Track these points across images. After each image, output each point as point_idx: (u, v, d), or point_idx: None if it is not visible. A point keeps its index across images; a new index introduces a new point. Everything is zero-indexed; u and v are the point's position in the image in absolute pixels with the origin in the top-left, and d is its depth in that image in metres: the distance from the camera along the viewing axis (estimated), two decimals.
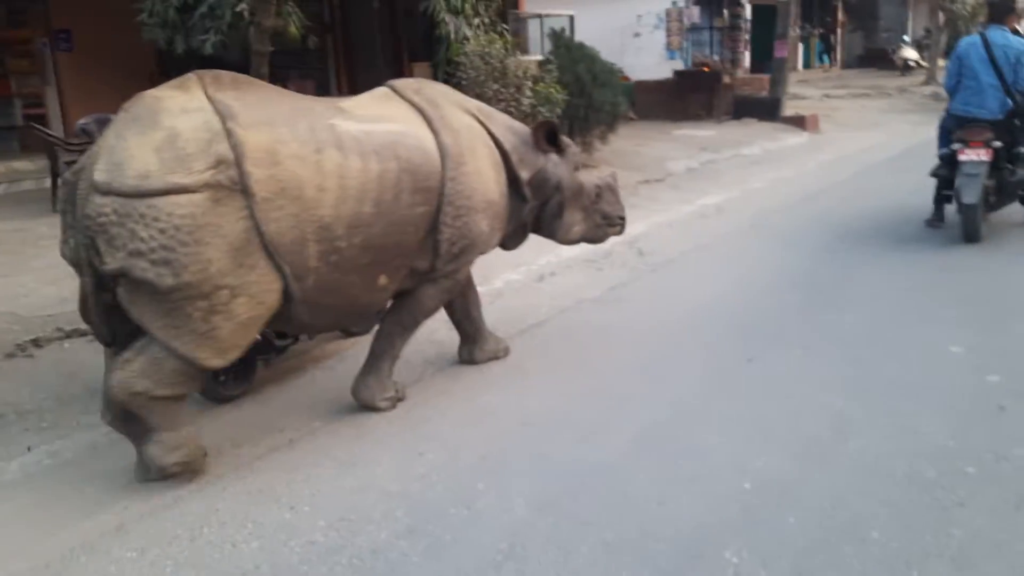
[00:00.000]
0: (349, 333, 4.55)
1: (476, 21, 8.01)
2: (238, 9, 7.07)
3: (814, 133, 13.28)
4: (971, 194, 5.65)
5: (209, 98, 2.99)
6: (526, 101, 7.36)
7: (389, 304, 3.79)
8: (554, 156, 4.09)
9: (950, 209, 6.14)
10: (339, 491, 3.04)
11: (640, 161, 10.44)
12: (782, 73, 13.60)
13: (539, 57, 10.40)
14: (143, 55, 10.03)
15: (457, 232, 3.62)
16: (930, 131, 13.63)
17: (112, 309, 3.00)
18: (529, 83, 7.49)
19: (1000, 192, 5.92)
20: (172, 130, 2.88)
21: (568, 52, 9.54)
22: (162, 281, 2.82)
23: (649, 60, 19.95)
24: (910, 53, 22.30)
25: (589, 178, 4.30)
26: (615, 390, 3.76)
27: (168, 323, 2.91)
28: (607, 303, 5.19)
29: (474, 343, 4.24)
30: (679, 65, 18.42)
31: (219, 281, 2.90)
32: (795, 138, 12.85)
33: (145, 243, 2.79)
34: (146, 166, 2.80)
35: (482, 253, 3.92)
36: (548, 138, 4.05)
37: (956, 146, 5.88)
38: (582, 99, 8.94)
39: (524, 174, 3.95)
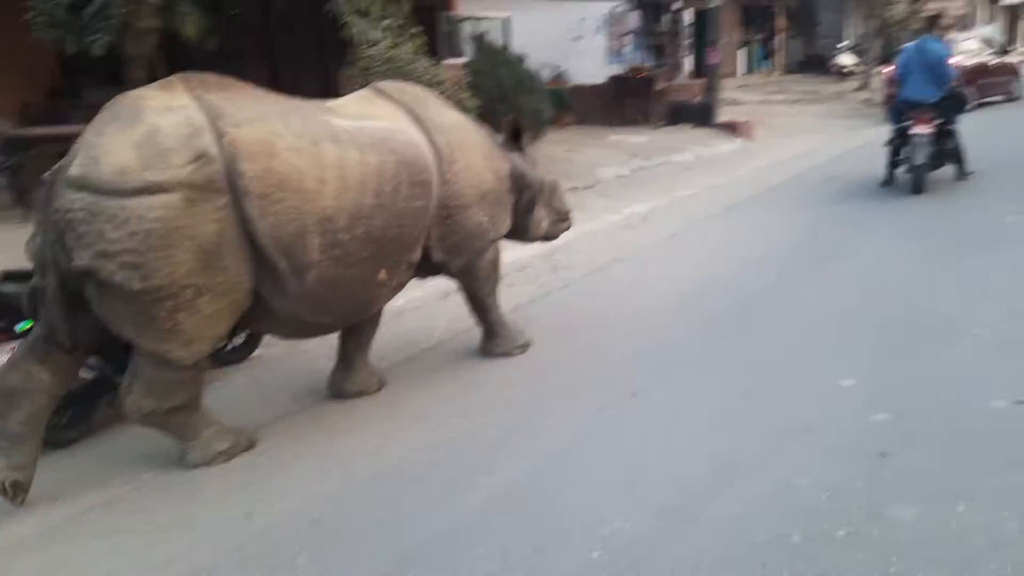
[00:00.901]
0: (223, 361, 4.28)
1: (385, 23, 7.61)
2: (128, 9, 6.57)
3: (748, 139, 13.20)
4: (920, 157, 7.60)
5: (194, 97, 2.96)
6: None
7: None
8: (518, 154, 4.20)
9: (898, 173, 7.95)
10: (142, 566, 2.64)
11: (570, 168, 10.17)
12: (715, 79, 13.52)
13: (462, 60, 10.05)
14: (42, 59, 9.38)
15: (450, 228, 3.72)
16: (862, 136, 13.95)
17: (74, 309, 2.94)
18: (437, 89, 7.10)
19: (938, 157, 7.79)
20: (153, 126, 2.85)
21: (491, 57, 9.21)
22: (130, 284, 2.79)
23: (591, 64, 19.76)
24: (846, 59, 22.58)
25: (543, 176, 4.43)
26: (488, 434, 3.42)
27: (133, 322, 2.91)
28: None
29: (346, 373, 3.93)
30: (621, 70, 18.31)
31: (185, 281, 2.87)
32: (728, 144, 12.74)
33: (113, 244, 2.74)
34: (124, 161, 2.76)
35: (493, 240, 4.03)
36: (513, 135, 4.18)
37: (908, 122, 7.65)
38: (503, 105, 8.63)
39: (505, 168, 4.06)
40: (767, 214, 7.73)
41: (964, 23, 26.20)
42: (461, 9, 15.69)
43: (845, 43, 25.06)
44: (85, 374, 3.52)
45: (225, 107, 2.98)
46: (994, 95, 16.29)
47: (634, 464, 3.05)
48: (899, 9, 20.72)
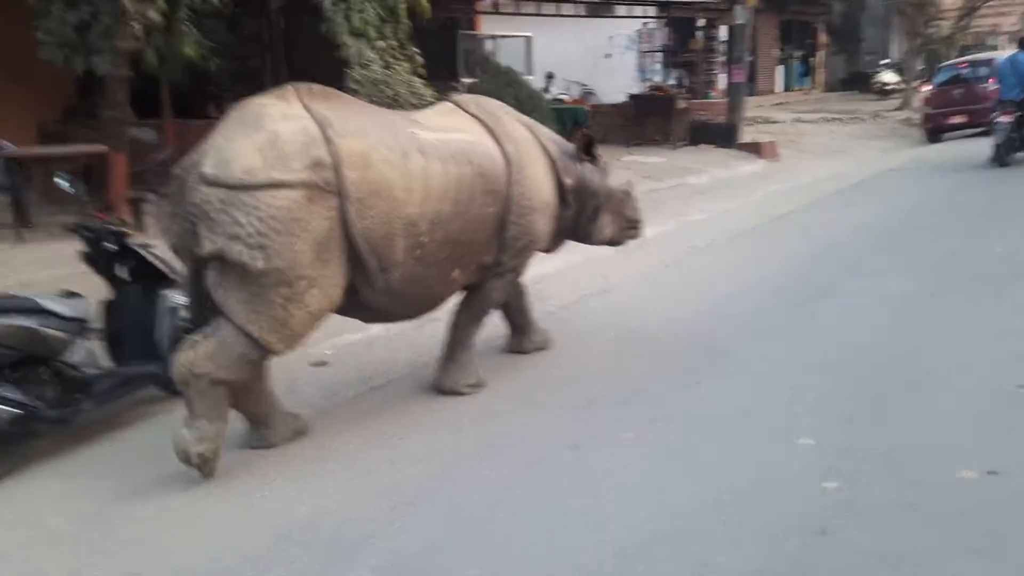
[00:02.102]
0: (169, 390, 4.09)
1: (382, 44, 7.51)
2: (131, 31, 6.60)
3: (771, 160, 12.76)
4: (1000, 137, 10.51)
5: (306, 107, 3.30)
6: None
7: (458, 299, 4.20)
8: (589, 164, 4.46)
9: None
10: None
11: None
12: (738, 98, 13.11)
13: (469, 81, 9.92)
14: (59, 80, 9.58)
15: (521, 229, 4.00)
16: (895, 159, 13.38)
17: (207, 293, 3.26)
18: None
19: (1020, 140, 10.54)
20: (274, 133, 3.18)
21: (496, 77, 9.06)
22: (255, 264, 3.10)
23: (621, 82, 19.51)
24: (889, 77, 21.85)
25: (615, 185, 4.71)
26: (409, 488, 3.18)
27: (250, 307, 3.18)
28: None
29: (523, 334, 4.66)
30: (671, 83, 17.94)
31: (301, 271, 3.18)
32: (749, 166, 12.33)
33: (243, 228, 3.07)
34: (250, 163, 3.09)
35: (539, 250, 4.33)
36: (586, 148, 4.43)
37: (995, 114, 10.68)
38: None
39: (568, 181, 4.30)
40: (771, 244, 7.35)
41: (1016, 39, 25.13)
42: (483, 28, 15.65)
43: (887, 60, 24.26)
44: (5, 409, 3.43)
45: (332, 118, 3.33)
46: None
47: (541, 537, 2.75)
48: (944, 26, 19.97)
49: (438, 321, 5.66)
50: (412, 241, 3.49)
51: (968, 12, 20.59)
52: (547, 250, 4.53)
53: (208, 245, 3.12)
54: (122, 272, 4.16)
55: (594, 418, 3.71)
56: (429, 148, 3.59)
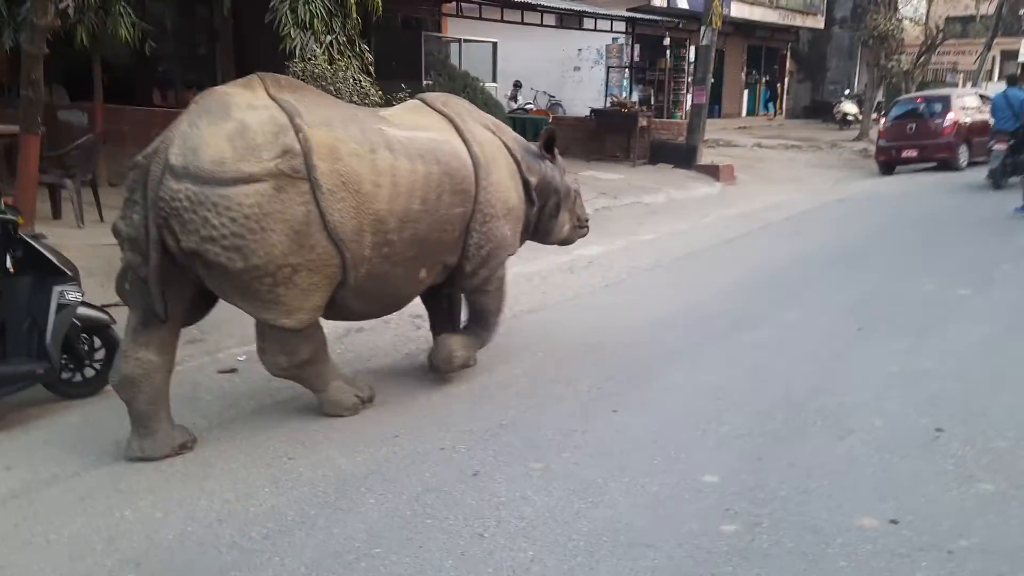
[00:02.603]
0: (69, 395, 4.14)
1: (329, 39, 7.29)
2: (61, 6, 6.26)
3: (728, 184, 12.80)
4: (995, 163, 11.55)
5: (272, 97, 3.29)
6: None
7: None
8: (550, 162, 4.48)
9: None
10: None
11: None
12: (699, 119, 13.13)
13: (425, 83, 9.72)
14: None
15: (484, 236, 3.96)
16: (847, 189, 13.52)
17: (168, 283, 3.24)
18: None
19: (1013, 166, 11.38)
20: (242, 122, 3.15)
21: (450, 80, 8.89)
22: (233, 265, 3.12)
23: (588, 95, 19.52)
24: (849, 107, 22.23)
25: (568, 182, 4.68)
26: (285, 514, 2.95)
27: (240, 295, 3.28)
28: (376, 377, 4.40)
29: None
30: (635, 101, 17.92)
31: (282, 261, 3.18)
32: (706, 188, 12.34)
33: (217, 230, 3.05)
34: (220, 153, 3.04)
35: (508, 255, 4.28)
36: (547, 145, 4.45)
37: (991, 143, 11.72)
38: None
39: (532, 179, 4.32)
40: (712, 269, 7.28)
41: (974, 79, 25.83)
42: (450, 32, 15.46)
43: (848, 91, 24.73)
44: None
45: (299, 108, 3.30)
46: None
47: None
48: (905, 60, 20.39)
49: (362, 331, 5.49)
50: (380, 238, 3.47)
51: (928, 48, 21.07)
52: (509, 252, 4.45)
53: (185, 243, 3.12)
54: (8, 262, 3.88)
55: (502, 445, 3.54)
56: (396, 145, 3.56)
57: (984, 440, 3.45)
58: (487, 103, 9.02)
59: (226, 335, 5.24)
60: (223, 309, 5.92)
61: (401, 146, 3.57)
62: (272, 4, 7.28)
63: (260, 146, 3.13)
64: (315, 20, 7.17)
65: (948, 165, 14.52)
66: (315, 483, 3.19)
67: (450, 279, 4.13)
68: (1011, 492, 3.01)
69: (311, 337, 3.54)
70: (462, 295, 4.37)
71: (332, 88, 6.54)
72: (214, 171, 3.03)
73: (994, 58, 32.95)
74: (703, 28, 12.84)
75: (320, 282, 3.36)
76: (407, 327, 5.45)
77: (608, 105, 15.49)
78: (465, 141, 3.91)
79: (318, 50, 7.10)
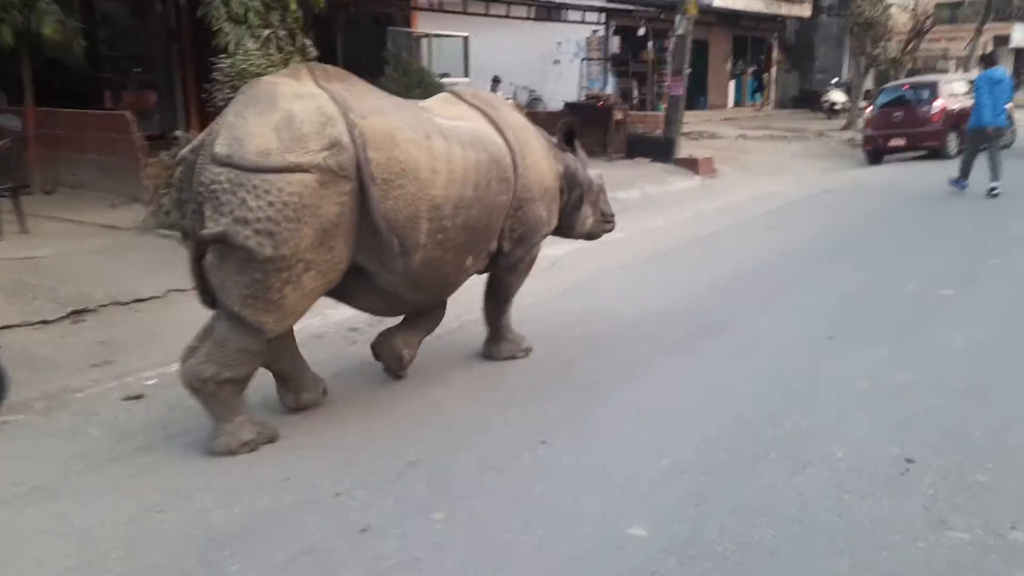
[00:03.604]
0: None
1: (266, 33, 6.80)
2: None
3: (707, 177, 12.33)
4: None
5: (319, 86, 3.22)
6: None
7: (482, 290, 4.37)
8: (571, 154, 4.43)
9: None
10: None
11: None
12: (677, 112, 12.64)
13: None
14: None
15: (519, 220, 3.97)
16: (834, 179, 13.06)
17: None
18: None
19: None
20: (289, 112, 3.08)
21: (406, 76, 8.41)
22: (262, 251, 3.01)
23: (568, 89, 19.02)
24: (837, 96, 21.74)
25: (591, 176, 4.64)
26: (228, 525, 2.51)
27: (247, 292, 3.09)
28: (282, 411, 3.93)
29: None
30: (610, 93, 17.43)
31: (302, 255, 3.10)
32: (684, 182, 11.86)
33: (253, 212, 2.97)
34: (266, 143, 2.99)
35: (544, 236, 4.29)
36: (567, 138, 4.40)
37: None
38: None
39: (559, 168, 4.29)
40: (681, 269, 6.82)
41: (965, 65, 25.37)
42: (422, 27, 14.98)
43: (835, 79, 24.24)
44: None
45: (349, 99, 3.23)
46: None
47: None
48: (892, 48, 19.91)
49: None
50: (436, 224, 3.45)
51: (917, 35, 20.59)
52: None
53: (211, 226, 3.01)
54: None
55: (405, 489, 3.07)
56: (448, 132, 3.56)
57: (960, 473, 2.99)
58: None
59: (139, 356, 4.81)
60: (140, 324, 5.60)
61: (452, 133, 3.58)
62: None
63: (307, 136, 3.07)
64: (250, 13, 6.70)
65: (937, 153, 14.07)
66: (176, 545, 2.72)
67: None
68: (989, 542, 2.55)
69: (259, 355, 3.33)
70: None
71: None
72: (259, 161, 2.98)
73: (985, 44, 32.48)
74: (678, 17, 12.35)
75: (319, 288, 3.30)
76: (341, 342, 5.00)
77: (583, 99, 14.99)
78: (499, 129, 3.90)
79: (253, 45, 6.61)
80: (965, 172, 10.19)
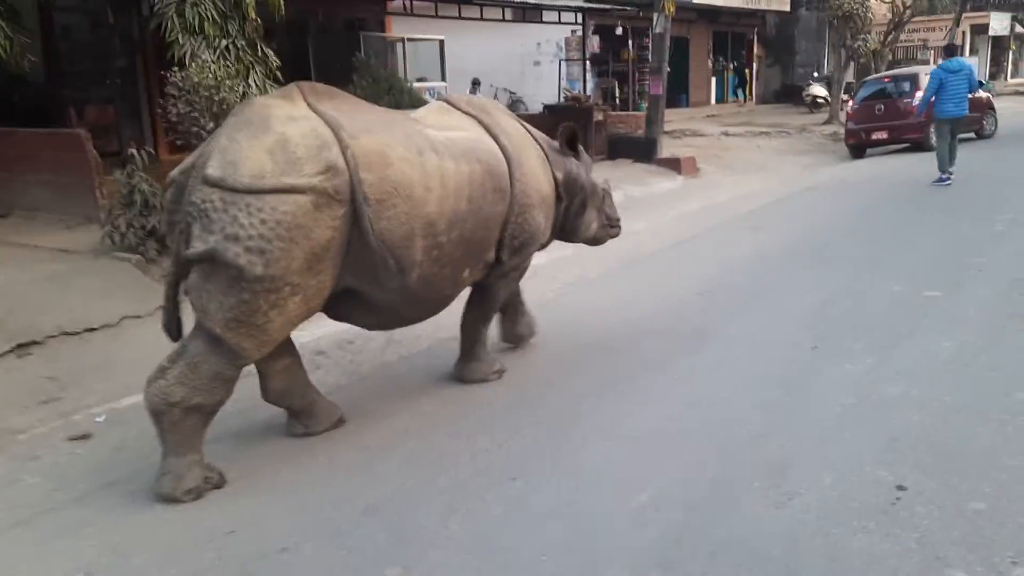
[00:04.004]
0: None
1: (223, 43, 6.55)
2: None
3: (690, 177, 12.13)
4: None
5: (311, 107, 3.19)
6: None
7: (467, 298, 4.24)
8: (574, 159, 4.37)
9: None
10: None
11: None
12: (657, 111, 12.43)
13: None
14: None
15: (519, 227, 3.89)
16: (817, 176, 12.90)
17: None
18: None
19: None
20: (282, 135, 3.05)
21: (375, 84, 8.18)
22: (252, 269, 2.93)
23: (549, 90, 18.80)
24: (819, 90, 21.61)
25: (595, 180, 4.60)
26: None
27: (231, 315, 3.00)
28: (236, 445, 3.69)
29: (514, 322, 4.64)
30: (590, 95, 17.24)
31: (290, 278, 3.03)
32: (666, 183, 11.66)
33: (244, 229, 2.89)
34: (261, 167, 2.95)
35: (540, 246, 4.25)
36: (569, 142, 4.34)
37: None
38: None
39: (559, 175, 4.23)
40: (662, 275, 6.61)
41: (940, 54, 25.36)
42: (397, 31, 14.73)
43: (816, 73, 24.17)
44: None
45: (341, 119, 3.20)
46: (964, 131, 15.29)
47: None
48: (871, 39, 19.83)
49: (246, 376, 4.73)
50: (431, 241, 3.41)
51: (896, 26, 20.50)
52: (541, 246, 4.35)
53: (199, 244, 2.93)
54: None
55: (359, 539, 2.84)
56: (440, 146, 3.51)
57: (955, 500, 2.79)
58: (416, 105, 8.32)
59: (88, 391, 4.55)
60: (90, 355, 5.31)
61: (444, 147, 3.53)
62: (156, 7, 6.53)
63: (302, 159, 3.03)
64: (206, 23, 6.44)
65: (920, 146, 13.94)
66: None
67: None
68: None
69: (231, 382, 3.19)
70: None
71: (217, 97, 5.80)
72: (252, 184, 2.93)
73: (964, 33, 32.57)
74: (656, 15, 12.14)
75: (302, 315, 3.21)
76: (307, 367, 4.75)
77: (562, 100, 14.78)
78: (494, 136, 3.87)
79: (209, 56, 6.35)
80: (943, 166, 10.25)
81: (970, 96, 10.43)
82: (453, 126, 3.78)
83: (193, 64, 6.02)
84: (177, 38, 6.42)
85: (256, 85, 6.72)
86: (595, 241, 4.78)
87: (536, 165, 4.03)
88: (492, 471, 3.27)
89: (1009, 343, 4.33)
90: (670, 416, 3.67)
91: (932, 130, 10.67)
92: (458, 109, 3.99)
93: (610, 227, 4.77)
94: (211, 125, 5.75)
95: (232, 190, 2.91)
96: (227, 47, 6.59)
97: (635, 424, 3.61)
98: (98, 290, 5.88)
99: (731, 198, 10.61)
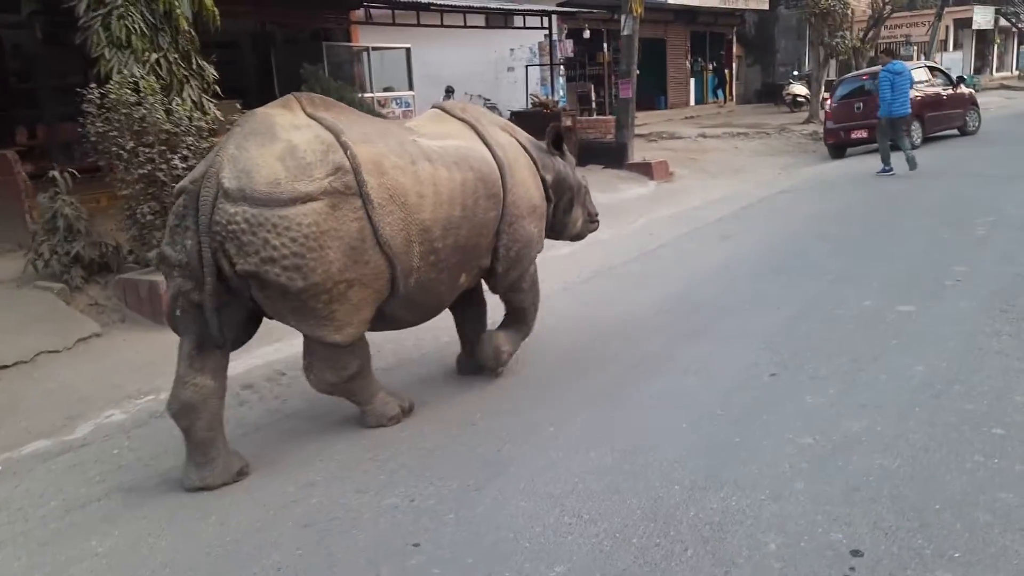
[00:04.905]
0: None
1: (154, 57, 6.14)
2: None
3: (663, 182, 11.78)
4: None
5: (310, 116, 3.37)
6: (181, 165, 5.43)
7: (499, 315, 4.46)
8: (560, 158, 4.43)
9: None
10: None
11: None
12: (627, 115, 12.08)
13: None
14: None
15: (512, 237, 3.95)
16: (794, 177, 12.55)
17: (225, 307, 3.25)
18: (191, 139, 5.59)
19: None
20: (289, 142, 3.21)
21: (324, 95, 7.75)
22: (293, 285, 3.16)
23: (523, 95, 18.48)
24: (799, 89, 21.34)
25: (579, 177, 4.68)
26: None
27: (297, 316, 3.31)
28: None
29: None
30: (558, 100, 16.91)
31: (339, 277, 3.23)
32: (638, 188, 11.30)
33: (278, 251, 3.08)
34: (274, 174, 3.10)
35: (537, 252, 4.27)
36: (556, 142, 4.40)
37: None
38: None
39: (548, 177, 4.30)
40: (621, 291, 6.21)
41: (926, 51, 25.18)
42: (363, 39, 14.34)
43: (796, 72, 23.90)
44: None
45: (339, 126, 3.33)
46: (946, 129, 15.03)
47: None
48: (851, 36, 19.55)
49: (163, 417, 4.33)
50: (427, 247, 3.50)
51: (876, 22, 20.26)
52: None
53: (241, 263, 3.09)
54: None
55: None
56: (433, 155, 3.60)
57: (918, 569, 2.40)
58: (368, 110, 7.92)
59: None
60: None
61: (437, 155, 3.61)
62: (81, 21, 6.12)
63: (311, 165, 3.15)
64: (133, 37, 6.03)
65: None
66: None
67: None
68: None
69: (358, 351, 3.53)
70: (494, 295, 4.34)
71: (136, 115, 5.38)
72: (271, 192, 3.04)
73: (947, 27, 32.42)
74: (623, 17, 11.80)
75: (370, 297, 3.38)
76: (231, 401, 4.35)
77: (529, 106, 14.43)
78: (488, 146, 3.92)
79: (138, 71, 5.94)
80: (885, 158, 11.18)
81: (943, 93, 12.04)
82: (446, 134, 3.85)
83: (111, 80, 5.60)
84: (103, 53, 6.01)
85: (192, 100, 6.33)
86: (579, 237, 4.87)
87: (527, 176, 4.09)
88: (394, 535, 2.86)
89: (987, 368, 3.95)
90: (599, 467, 3.24)
91: (880, 129, 11.46)
92: (452, 116, 4.06)
93: (590, 222, 4.85)
94: (130, 144, 5.35)
95: (252, 202, 3.02)
96: (158, 61, 6.19)
97: (559, 477, 3.19)
98: (15, 324, 5.46)
99: (703, 203, 10.25)
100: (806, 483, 2.97)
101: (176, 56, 6.38)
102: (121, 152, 5.36)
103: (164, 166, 5.38)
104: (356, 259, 3.24)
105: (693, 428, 3.51)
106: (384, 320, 3.68)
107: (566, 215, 4.57)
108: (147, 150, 5.37)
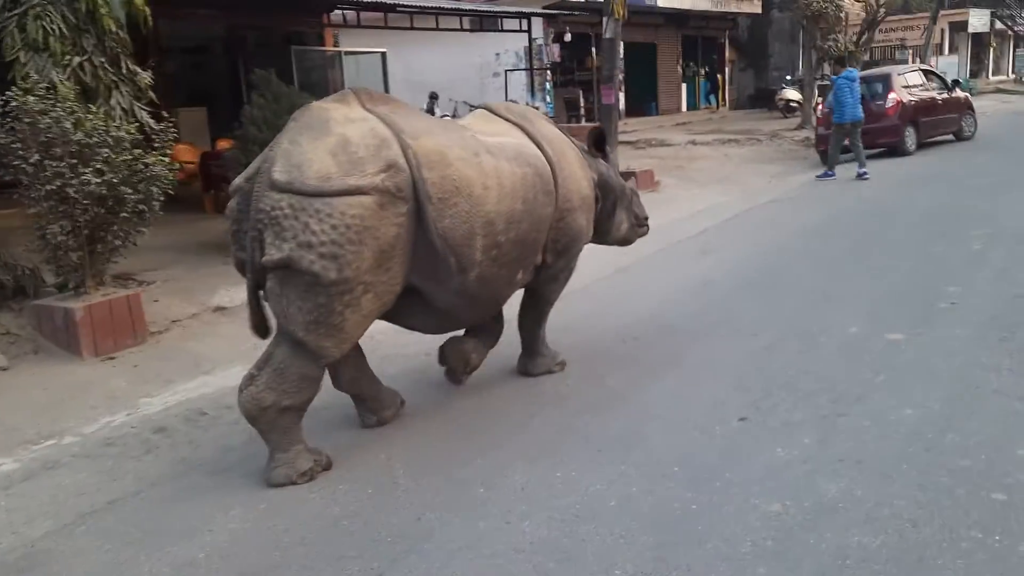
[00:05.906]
0: None
1: (76, 61, 5.64)
2: None
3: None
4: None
5: (367, 110, 3.32)
6: (95, 180, 4.92)
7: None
8: (602, 160, 4.41)
9: None
10: None
11: None
12: (610, 122, 11.53)
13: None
14: None
15: (561, 231, 3.98)
16: (784, 186, 12.05)
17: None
18: (106, 152, 5.08)
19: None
20: (343, 136, 3.16)
21: (275, 103, 7.25)
22: (327, 274, 3.04)
23: (509, 101, 18.03)
24: (792, 94, 20.88)
25: (623, 181, 4.66)
26: None
27: (311, 318, 3.13)
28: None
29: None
30: (539, 106, 16.50)
31: (363, 279, 3.14)
32: None
33: (317, 236, 3.00)
34: (326, 168, 3.05)
35: (584, 244, 4.27)
36: (597, 144, 4.37)
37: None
38: None
39: (594, 176, 4.26)
40: (589, 314, 5.68)
41: (921, 54, 24.77)
42: (342, 44, 13.87)
43: (789, 76, 23.46)
44: None
45: (398, 120, 3.31)
46: (941, 134, 14.57)
47: None
48: (845, 39, 19.12)
49: (116, 445, 3.81)
50: (490, 240, 3.47)
51: (870, 25, 19.82)
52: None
53: (274, 252, 3.02)
54: None
55: None
56: (493, 148, 3.60)
57: None
58: None
59: None
60: None
61: (497, 150, 3.62)
62: None
63: (364, 159, 3.12)
64: (51, 39, 5.53)
65: (895, 150, 13.19)
66: None
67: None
68: None
69: (317, 381, 3.35)
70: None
71: (43, 124, 4.86)
72: (320, 186, 3.01)
73: (942, 31, 32.03)
74: (605, 20, 11.32)
75: (375, 311, 3.31)
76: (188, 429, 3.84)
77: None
78: (536, 143, 3.91)
79: (56, 76, 5.44)
80: (831, 164, 11.89)
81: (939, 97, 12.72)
82: (500, 132, 3.85)
83: (14, 86, 5.08)
84: (18, 56, 5.51)
85: (121, 107, 5.82)
86: (625, 241, 4.82)
87: (576, 169, 4.09)
88: (373, 544, 2.36)
89: (985, 411, 3.44)
90: (532, 543, 2.73)
91: (830, 135, 12.10)
92: (499, 116, 4.06)
93: (638, 226, 4.79)
94: (35, 157, 4.84)
95: (300, 194, 2.98)
96: (80, 65, 5.69)
97: (480, 556, 2.68)
98: None
99: (687, 215, 9.73)
100: (769, 568, 2.46)
101: (103, 60, 5.88)
102: (25, 167, 4.85)
103: (75, 181, 4.86)
104: (381, 263, 3.17)
105: (641, 498, 2.99)
106: (441, 317, 3.66)
107: (609, 219, 4.53)
108: (55, 164, 4.85)
